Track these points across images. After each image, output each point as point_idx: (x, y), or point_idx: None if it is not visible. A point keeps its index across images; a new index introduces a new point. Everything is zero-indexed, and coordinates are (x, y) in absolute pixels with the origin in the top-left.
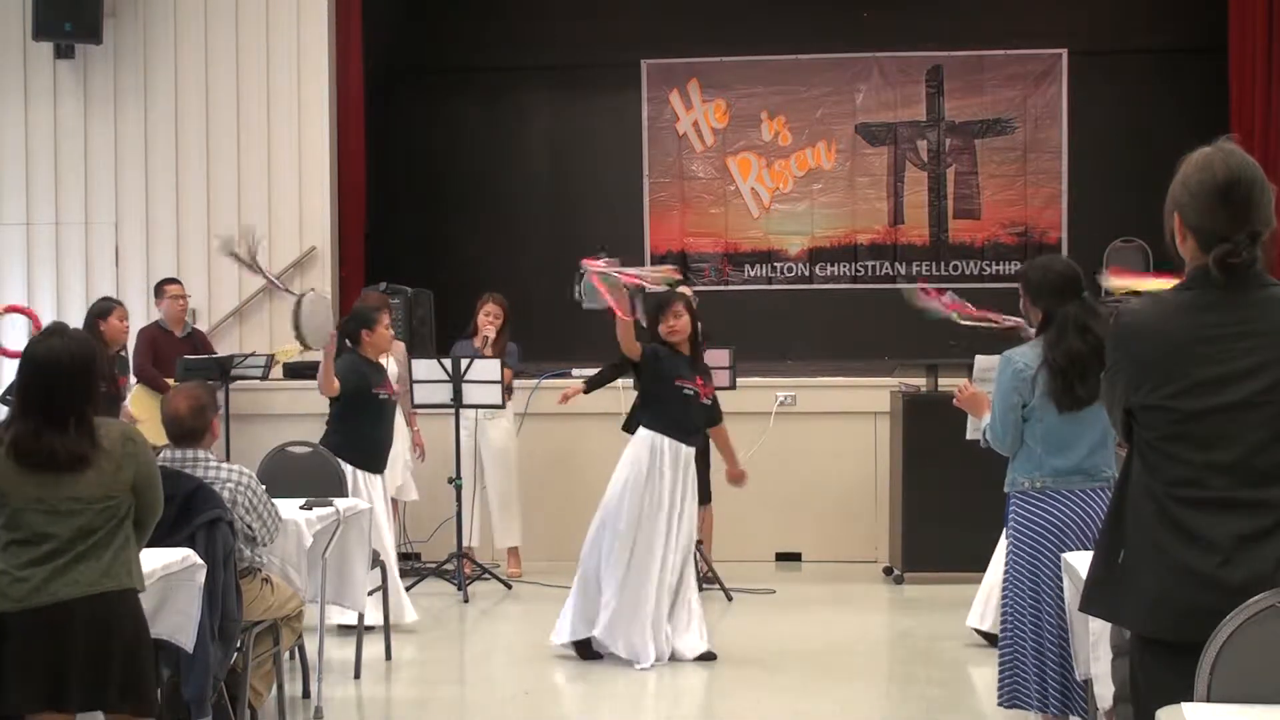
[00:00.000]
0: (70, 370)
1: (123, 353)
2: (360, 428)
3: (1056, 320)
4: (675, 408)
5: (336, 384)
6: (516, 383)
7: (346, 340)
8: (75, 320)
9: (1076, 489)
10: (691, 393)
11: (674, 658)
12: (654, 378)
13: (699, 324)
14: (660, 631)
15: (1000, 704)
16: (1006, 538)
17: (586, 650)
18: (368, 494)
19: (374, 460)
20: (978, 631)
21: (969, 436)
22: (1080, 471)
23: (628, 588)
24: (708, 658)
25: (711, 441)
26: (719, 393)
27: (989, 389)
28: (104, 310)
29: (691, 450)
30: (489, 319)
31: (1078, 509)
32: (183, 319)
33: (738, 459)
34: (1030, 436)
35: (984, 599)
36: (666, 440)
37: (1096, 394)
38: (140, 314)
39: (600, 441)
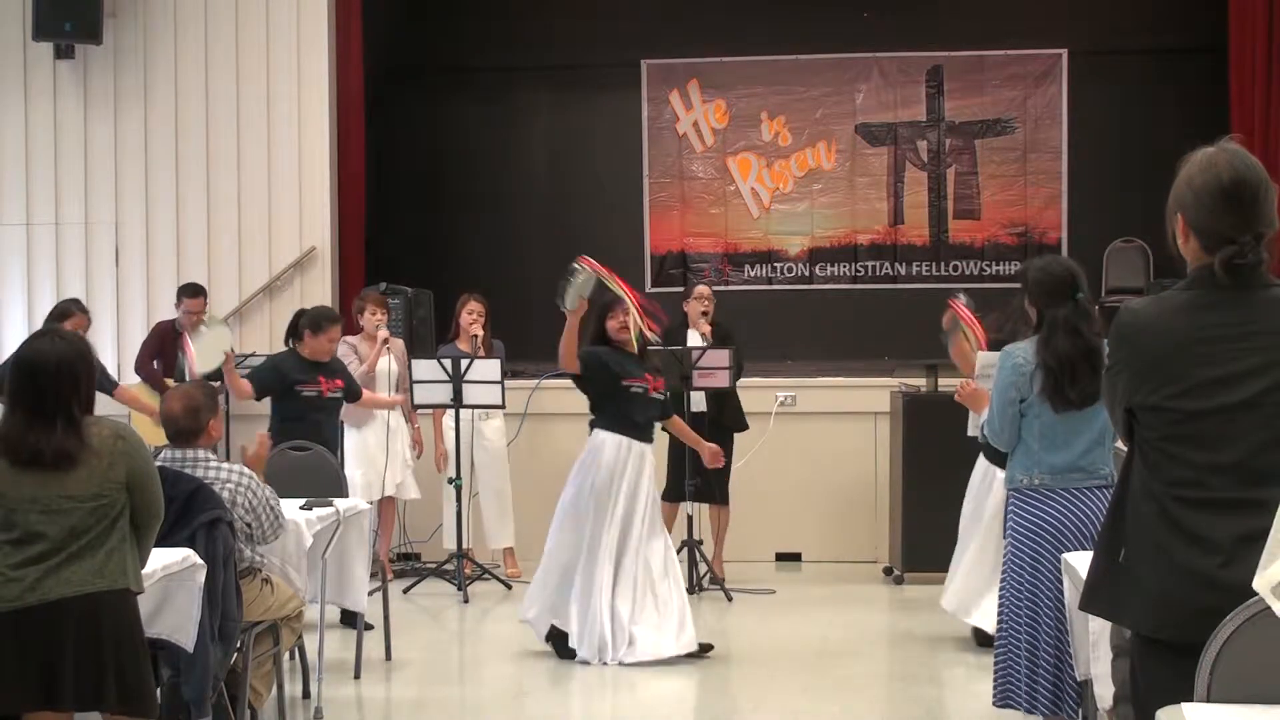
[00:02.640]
0: (56, 371)
1: None
2: (282, 423)
3: (1047, 321)
4: (625, 406)
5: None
6: (515, 383)
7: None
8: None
9: (1074, 487)
10: (640, 390)
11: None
12: (603, 381)
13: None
14: (618, 627)
15: (995, 703)
16: (1004, 535)
17: (564, 650)
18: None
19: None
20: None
21: (970, 433)
22: (1078, 469)
23: (586, 585)
24: (697, 654)
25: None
26: (718, 393)
27: (990, 385)
28: (64, 313)
29: (645, 449)
30: (473, 317)
31: (1076, 508)
32: (198, 328)
33: (700, 440)
34: (1028, 433)
35: (958, 582)
36: (622, 439)
37: (1088, 396)
38: (140, 314)
39: None
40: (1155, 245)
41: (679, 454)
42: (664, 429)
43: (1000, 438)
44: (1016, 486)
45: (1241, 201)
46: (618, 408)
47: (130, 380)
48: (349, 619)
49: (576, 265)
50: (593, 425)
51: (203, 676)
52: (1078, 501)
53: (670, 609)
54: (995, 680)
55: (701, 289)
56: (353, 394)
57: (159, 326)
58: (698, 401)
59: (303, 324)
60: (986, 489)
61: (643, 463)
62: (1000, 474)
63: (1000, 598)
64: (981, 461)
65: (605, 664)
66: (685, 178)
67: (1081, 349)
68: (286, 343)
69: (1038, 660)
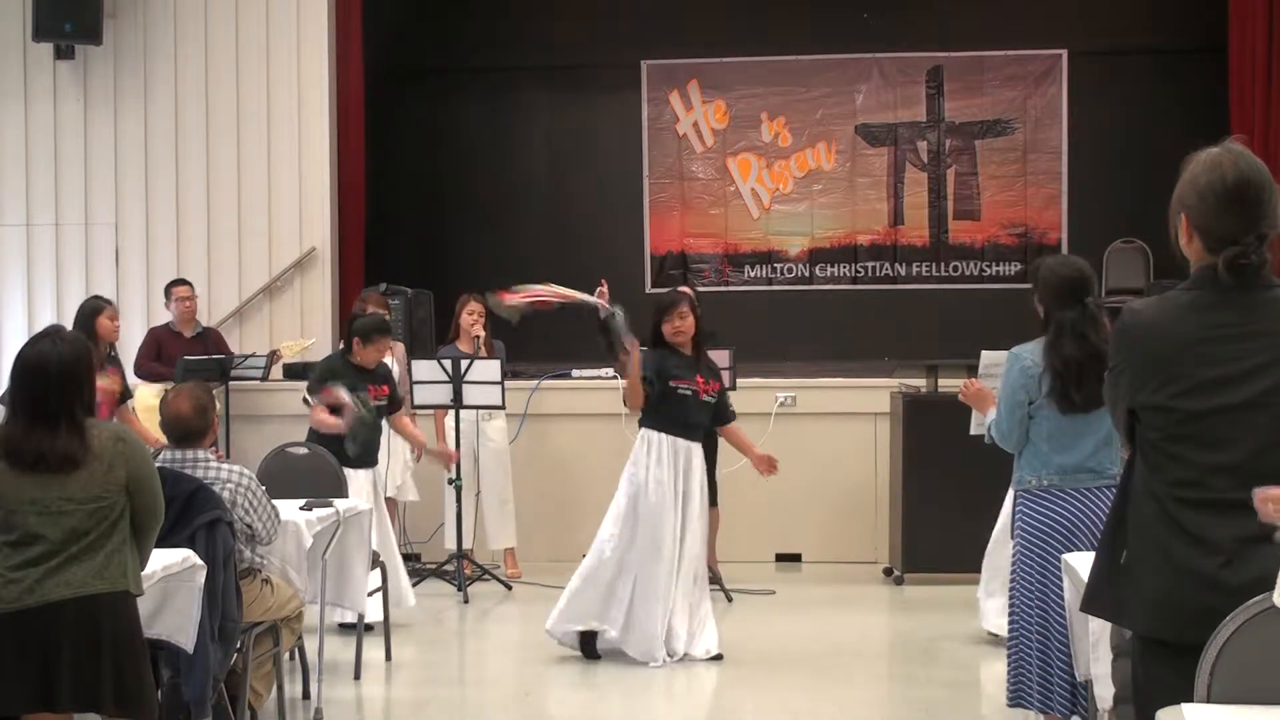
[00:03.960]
0: (59, 373)
1: (112, 352)
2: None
3: (1054, 323)
4: (672, 406)
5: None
6: (515, 384)
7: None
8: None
9: (1083, 487)
10: (689, 392)
11: (685, 657)
12: (653, 384)
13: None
14: (668, 629)
15: (1008, 703)
16: (1013, 536)
17: (590, 649)
18: (354, 488)
19: (357, 458)
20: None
21: (973, 432)
22: (1086, 469)
23: (638, 586)
24: (717, 658)
25: (723, 441)
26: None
27: (993, 384)
28: (95, 309)
29: (692, 446)
30: (474, 318)
31: (1085, 508)
32: (191, 320)
33: (755, 449)
34: (1036, 434)
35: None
36: (665, 437)
37: (1093, 400)
38: (140, 314)
39: (600, 442)
40: (1155, 245)
41: None
42: (718, 433)
43: (1009, 440)
44: (1025, 487)
45: (1245, 202)
46: (668, 409)
47: (131, 381)
48: (348, 628)
49: (611, 310)
50: (641, 424)
51: (203, 677)
52: (1086, 501)
53: (708, 609)
54: (1009, 680)
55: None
56: (394, 404)
57: (153, 331)
58: None
59: (353, 332)
60: None
61: (690, 460)
62: None
63: (1010, 599)
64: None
65: (665, 663)
66: (685, 178)
67: (1087, 353)
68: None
69: (1050, 660)
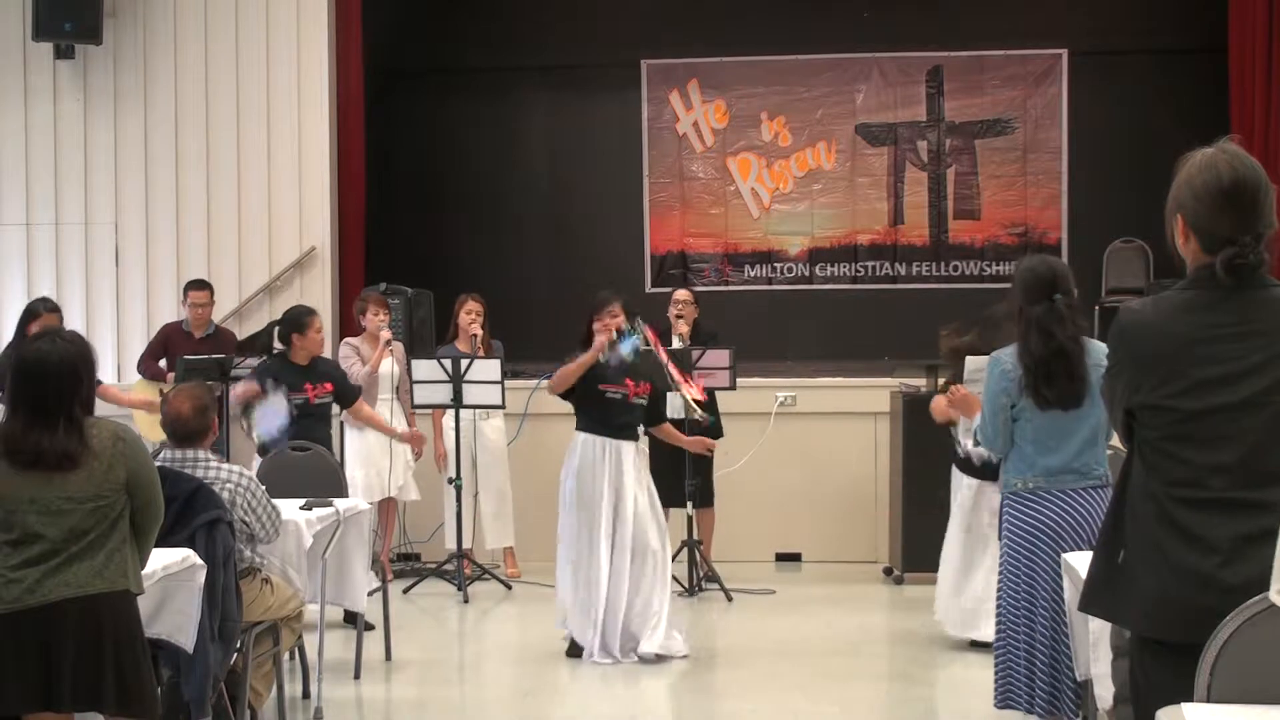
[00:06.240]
0: (58, 372)
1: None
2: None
3: (1023, 320)
4: (602, 410)
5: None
6: (515, 383)
7: (278, 343)
8: (75, 321)
9: (1069, 488)
10: (618, 396)
11: (640, 657)
12: (581, 385)
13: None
14: (614, 628)
15: (996, 705)
16: (1000, 539)
17: (573, 648)
18: None
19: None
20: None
21: (961, 439)
22: (1071, 470)
23: (579, 585)
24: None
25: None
26: (721, 393)
27: (979, 390)
28: (33, 313)
29: (623, 445)
30: (472, 317)
31: (1071, 509)
32: (204, 324)
33: (686, 441)
34: (1020, 436)
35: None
36: (595, 438)
37: (1065, 397)
38: (140, 314)
39: None
40: (1155, 245)
41: (673, 460)
42: (648, 432)
43: (994, 444)
44: (1013, 490)
45: (1241, 202)
46: (595, 411)
47: (132, 378)
48: (351, 618)
49: (637, 326)
50: (576, 427)
51: (203, 677)
52: (1073, 502)
53: (655, 607)
54: (996, 682)
55: (677, 293)
56: (346, 398)
57: (166, 328)
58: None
59: (285, 330)
60: (978, 509)
61: (622, 459)
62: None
63: (998, 600)
64: (966, 481)
65: (615, 661)
66: (685, 178)
67: (1053, 350)
68: (280, 349)
69: (1035, 661)
